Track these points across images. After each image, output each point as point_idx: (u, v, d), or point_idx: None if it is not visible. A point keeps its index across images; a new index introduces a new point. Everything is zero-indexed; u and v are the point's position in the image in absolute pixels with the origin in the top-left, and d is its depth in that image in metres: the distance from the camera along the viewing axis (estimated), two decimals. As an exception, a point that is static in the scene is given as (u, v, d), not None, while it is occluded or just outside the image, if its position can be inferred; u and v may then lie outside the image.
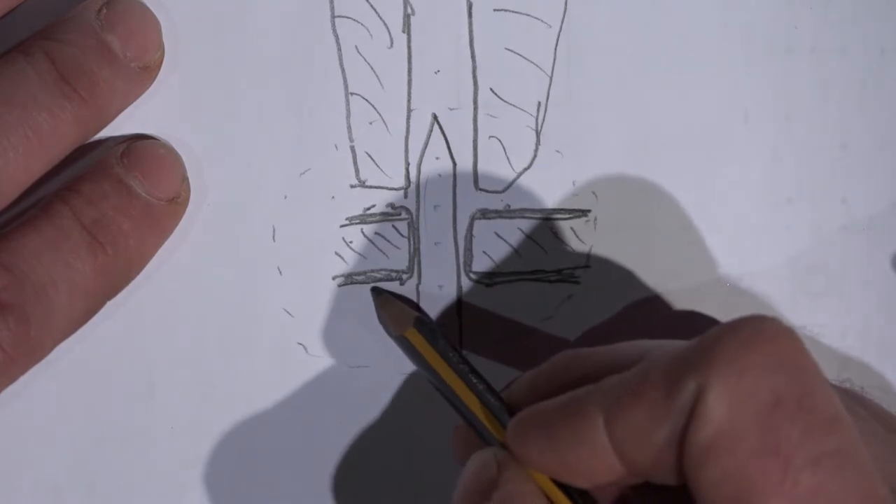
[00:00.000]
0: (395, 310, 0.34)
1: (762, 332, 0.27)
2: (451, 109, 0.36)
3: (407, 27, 0.36)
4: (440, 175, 0.37)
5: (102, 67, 0.33)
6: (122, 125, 0.35)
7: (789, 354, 0.27)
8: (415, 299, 0.37)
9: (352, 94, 0.36)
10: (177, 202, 0.35)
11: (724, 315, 0.37)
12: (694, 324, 0.37)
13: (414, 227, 0.37)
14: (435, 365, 0.33)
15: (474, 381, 0.33)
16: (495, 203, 0.37)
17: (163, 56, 0.35)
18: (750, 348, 0.27)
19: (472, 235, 0.37)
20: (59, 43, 0.33)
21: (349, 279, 0.36)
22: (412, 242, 0.37)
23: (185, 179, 0.35)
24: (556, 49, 0.37)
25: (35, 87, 0.33)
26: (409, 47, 0.36)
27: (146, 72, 0.34)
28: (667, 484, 0.28)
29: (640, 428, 0.28)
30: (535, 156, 0.37)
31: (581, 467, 0.29)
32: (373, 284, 0.36)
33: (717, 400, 0.26)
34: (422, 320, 0.34)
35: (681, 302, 0.37)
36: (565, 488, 0.30)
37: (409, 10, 0.36)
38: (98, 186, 0.34)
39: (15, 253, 0.32)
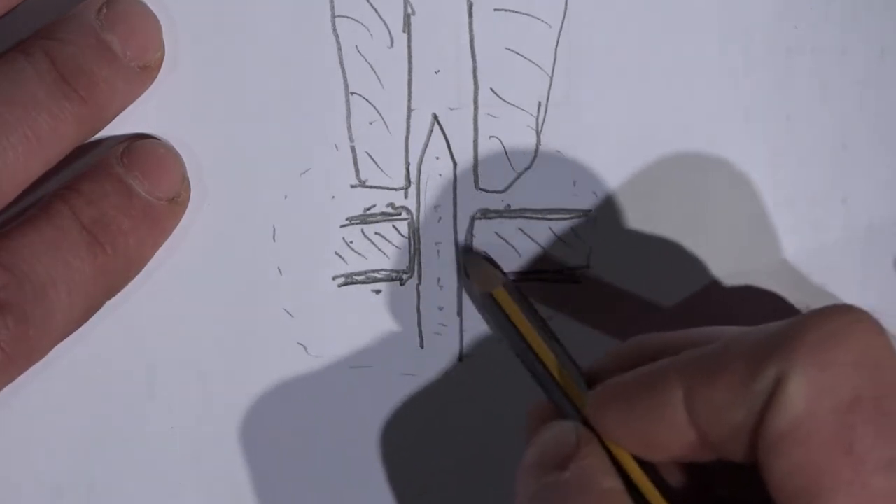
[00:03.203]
0: (483, 269, 0.35)
1: (848, 326, 0.27)
2: (451, 109, 0.36)
3: (407, 27, 0.36)
4: (440, 175, 0.37)
5: (102, 67, 0.33)
6: (122, 125, 0.35)
7: (873, 351, 0.27)
8: (415, 299, 0.37)
9: (352, 93, 0.36)
10: (177, 202, 0.35)
11: (724, 316, 0.37)
12: (694, 324, 0.37)
13: (414, 227, 0.37)
14: (520, 327, 0.33)
15: (556, 346, 0.33)
16: (495, 203, 0.37)
17: (163, 56, 0.35)
18: (834, 341, 0.27)
19: (472, 235, 0.37)
20: (59, 42, 0.33)
21: (349, 279, 0.36)
22: (412, 242, 0.37)
23: (185, 179, 0.35)
24: (556, 49, 0.37)
25: (35, 87, 0.32)
26: (409, 47, 0.36)
27: (146, 72, 0.34)
28: (739, 461, 0.28)
29: (719, 406, 0.28)
30: (535, 156, 0.37)
31: (659, 440, 0.29)
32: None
33: (797, 391, 0.27)
34: (511, 282, 0.34)
35: (681, 302, 0.37)
36: (641, 465, 0.30)
37: (410, 10, 0.36)
38: (98, 186, 0.34)
39: (14, 252, 0.32)
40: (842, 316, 0.28)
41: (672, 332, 0.32)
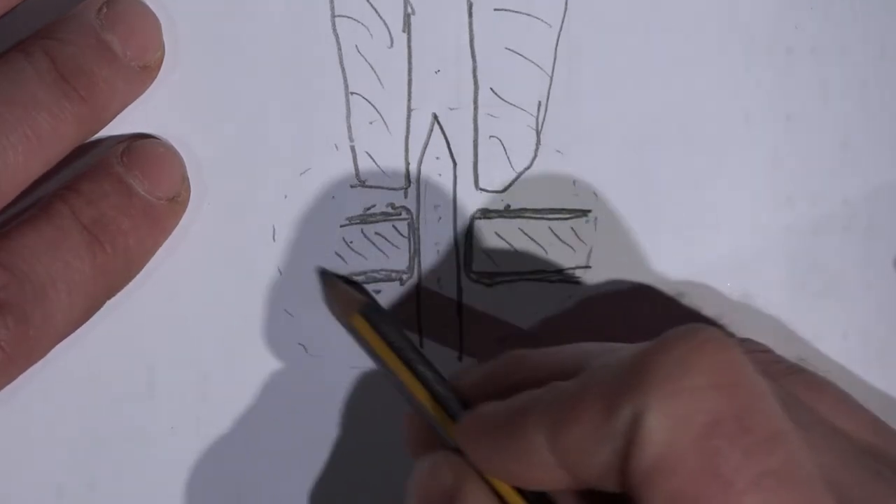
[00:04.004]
0: (341, 294, 0.32)
1: (696, 349, 0.27)
2: (451, 109, 0.36)
3: (407, 27, 0.36)
4: (440, 175, 0.37)
5: (102, 67, 0.33)
6: (122, 125, 0.35)
7: (726, 371, 0.27)
8: (414, 299, 0.37)
9: (352, 93, 0.36)
10: (177, 201, 0.35)
11: (724, 316, 0.37)
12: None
13: (414, 227, 0.37)
14: (382, 354, 0.31)
15: (422, 370, 0.31)
16: (495, 203, 0.37)
17: (163, 56, 0.35)
18: (685, 367, 0.26)
19: (472, 235, 0.37)
20: (59, 42, 0.33)
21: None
22: (412, 242, 0.37)
23: (185, 179, 0.35)
24: (556, 49, 0.37)
25: (35, 87, 0.33)
26: (409, 47, 0.36)
27: (146, 71, 0.34)
28: (617, 492, 0.28)
29: (582, 448, 0.27)
30: (535, 156, 0.37)
31: (531, 478, 0.29)
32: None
33: (655, 424, 0.26)
34: (370, 305, 0.31)
35: (680, 303, 0.37)
36: (521, 490, 0.29)
37: (410, 10, 0.36)
38: (98, 186, 0.34)
39: (14, 252, 0.32)
40: (689, 339, 0.27)
41: (544, 349, 0.32)
